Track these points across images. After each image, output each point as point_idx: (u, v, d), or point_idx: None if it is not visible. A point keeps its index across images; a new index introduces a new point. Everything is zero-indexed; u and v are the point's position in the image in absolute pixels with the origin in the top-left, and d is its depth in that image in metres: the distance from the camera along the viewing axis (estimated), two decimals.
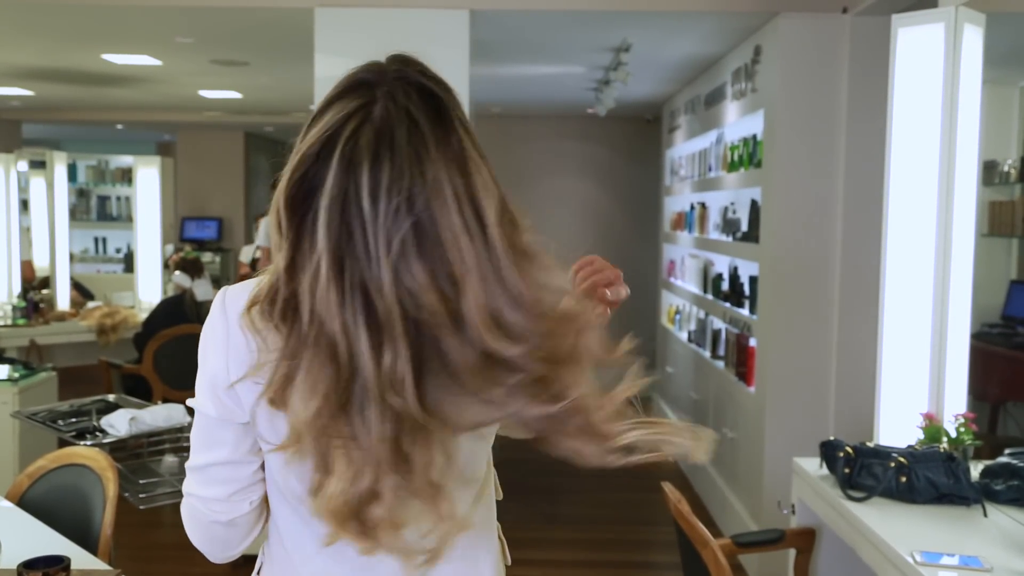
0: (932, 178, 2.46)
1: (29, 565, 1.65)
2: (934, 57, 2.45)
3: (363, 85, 0.92)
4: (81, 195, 8.88)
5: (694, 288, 5.43)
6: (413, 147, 0.89)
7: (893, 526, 2.05)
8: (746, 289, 4.32)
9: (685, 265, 5.80)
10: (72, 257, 7.15)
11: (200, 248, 9.13)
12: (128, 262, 8.45)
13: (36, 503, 2.35)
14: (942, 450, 2.24)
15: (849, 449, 2.29)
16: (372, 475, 0.90)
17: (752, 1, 3.66)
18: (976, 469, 2.31)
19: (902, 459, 2.21)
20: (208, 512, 1.06)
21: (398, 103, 0.90)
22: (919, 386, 2.49)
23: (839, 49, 3.62)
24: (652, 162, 7.33)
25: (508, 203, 0.95)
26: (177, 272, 5.39)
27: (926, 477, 2.18)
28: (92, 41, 4.74)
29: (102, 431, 3.01)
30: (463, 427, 0.94)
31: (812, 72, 3.65)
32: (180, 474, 2.79)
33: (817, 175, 3.67)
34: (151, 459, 2.98)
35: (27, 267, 6.64)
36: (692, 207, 5.52)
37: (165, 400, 4.11)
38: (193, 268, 5.38)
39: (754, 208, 4.09)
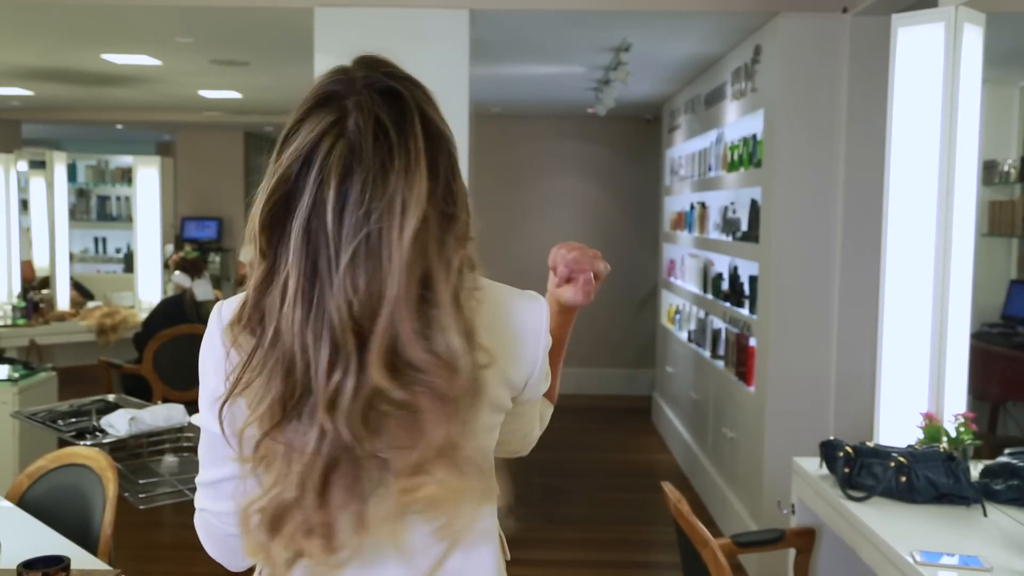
0: (932, 178, 2.46)
1: (29, 565, 1.65)
2: (934, 57, 2.45)
3: (334, 97, 0.92)
4: (81, 195, 8.88)
5: (694, 288, 5.43)
6: (379, 159, 0.90)
7: (893, 526, 2.05)
8: (746, 289, 4.32)
9: (685, 265, 5.80)
10: (72, 257, 7.16)
11: (200, 248, 9.13)
12: (128, 262, 8.46)
13: (36, 503, 2.35)
14: (942, 450, 2.24)
15: (849, 449, 2.29)
16: (297, 490, 0.91)
17: (752, 1, 3.65)
18: (976, 469, 2.31)
19: (902, 459, 2.21)
20: (223, 526, 1.07)
21: (367, 113, 0.91)
22: (919, 386, 2.49)
23: (839, 49, 3.62)
24: (652, 162, 7.33)
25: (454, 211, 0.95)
26: (177, 272, 5.39)
27: (926, 477, 2.18)
28: (92, 41, 4.74)
29: (102, 431, 3.01)
30: (396, 458, 0.93)
31: (812, 72, 3.65)
32: (180, 474, 2.79)
33: (817, 175, 3.67)
34: (151, 459, 2.99)
35: (27, 267, 6.64)
36: (692, 207, 5.52)
37: (165, 400, 4.11)
38: (193, 268, 5.37)
39: (754, 208, 4.09)
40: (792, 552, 2.48)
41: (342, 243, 0.88)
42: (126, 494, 2.58)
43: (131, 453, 2.99)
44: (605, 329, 7.51)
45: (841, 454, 2.29)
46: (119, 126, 9.39)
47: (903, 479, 2.19)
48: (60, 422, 3.18)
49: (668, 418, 6.03)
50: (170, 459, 2.99)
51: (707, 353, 4.90)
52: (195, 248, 7.42)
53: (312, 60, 3.64)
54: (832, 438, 2.42)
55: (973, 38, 2.46)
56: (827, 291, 3.70)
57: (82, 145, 10.76)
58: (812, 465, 2.47)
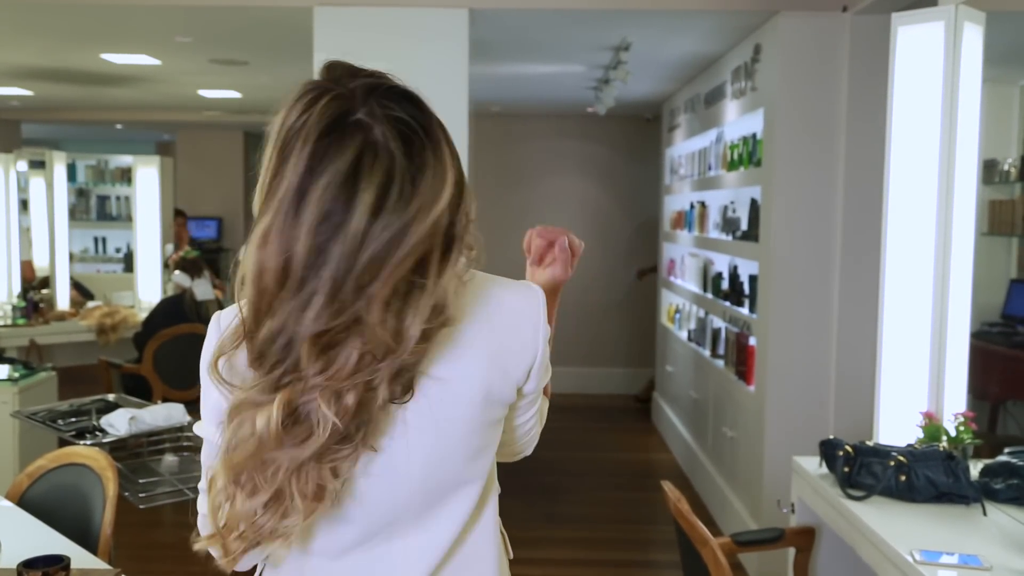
0: (932, 177, 2.46)
1: (29, 564, 1.65)
2: (934, 56, 2.45)
3: (346, 117, 0.91)
4: (81, 195, 8.87)
5: (694, 287, 5.43)
6: (413, 161, 0.92)
7: (893, 525, 2.05)
8: (746, 288, 4.32)
9: (685, 264, 5.80)
10: (72, 257, 7.15)
11: (200, 248, 9.12)
12: (128, 262, 8.45)
13: (36, 503, 2.35)
14: (942, 449, 2.24)
15: (849, 448, 2.29)
16: (268, 496, 0.94)
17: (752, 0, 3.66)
18: (976, 468, 2.31)
19: (902, 458, 2.21)
20: None
21: (386, 121, 0.91)
22: (919, 385, 2.49)
23: (839, 48, 3.62)
24: (652, 161, 7.33)
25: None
26: (177, 272, 5.39)
27: (926, 476, 2.18)
28: (91, 41, 4.74)
29: (102, 431, 3.01)
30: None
31: (812, 71, 3.65)
32: (180, 473, 2.79)
33: (817, 174, 3.67)
34: (151, 458, 2.99)
35: (27, 267, 6.64)
36: (692, 206, 5.51)
37: (165, 399, 4.11)
38: (193, 268, 5.38)
39: (754, 207, 4.09)
40: (792, 551, 2.48)
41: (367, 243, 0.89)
42: (126, 493, 2.58)
43: (131, 452, 2.99)
44: (604, 328, 7.51)
45: (841, 453, 2.29)
46: (119, 126, 9.39)
47: (903, 478, 2.19)
48: (60, 422, 3.18)
49: (668, 417, 6.03)
50: (170, 458, 2.99)
51: (707, 352, 4.90)
52: (194, 247, 7.42)
53: (312, 59, 3.64)
54: (832, 437, 2.42)
55: (973, 37, 2.46)
56: (827, 290, 3.70)
57: (82, 145, 10.76)
58: (812, 464, 2.47)
